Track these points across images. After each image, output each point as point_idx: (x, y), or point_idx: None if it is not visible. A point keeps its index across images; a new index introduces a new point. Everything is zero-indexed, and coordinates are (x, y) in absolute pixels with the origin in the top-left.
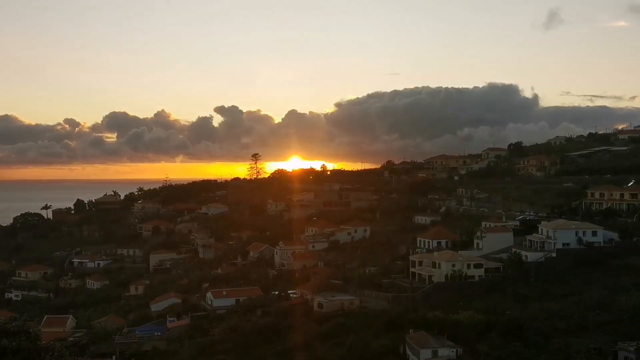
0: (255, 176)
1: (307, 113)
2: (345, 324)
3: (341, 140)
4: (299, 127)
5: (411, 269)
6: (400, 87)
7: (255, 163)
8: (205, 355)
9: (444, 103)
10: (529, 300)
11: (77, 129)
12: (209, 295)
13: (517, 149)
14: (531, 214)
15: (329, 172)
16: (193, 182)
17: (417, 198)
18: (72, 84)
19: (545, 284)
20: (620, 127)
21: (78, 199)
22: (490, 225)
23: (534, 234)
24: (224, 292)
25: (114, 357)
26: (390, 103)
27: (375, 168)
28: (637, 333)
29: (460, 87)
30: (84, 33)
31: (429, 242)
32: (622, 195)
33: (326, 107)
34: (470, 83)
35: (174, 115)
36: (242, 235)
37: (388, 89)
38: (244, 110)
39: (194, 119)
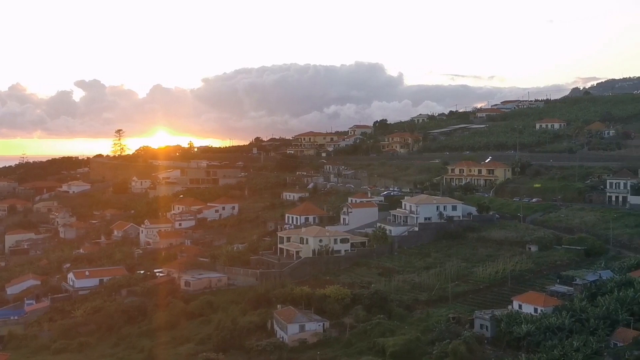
0: (119, 153)
1: (173, 88)
2: (213, 301)
3: (208, 117)
4: (164, 103)
5: (279, 245)
6: (268, 64)
7: (119, 139)
8: (67, 337)
9: (312, 80)
10: (392, 273)
11: None
12: (70, 276)
13: (382, 127)
14: (395, 189)
15: (196, 149)
16: (52, 159)
17: (285, 175)
18: None
19: (408, 257)
20: (479, 106)
21: None
22: (356, 200)
23: (397, 209)
24: (87, 273)
25: None
26: (258, 79)
27: (244, 145)
28: (492, 302)
29: (328, 65)
30: None
31: (297, 218)
32: (480, 171)
33: (193, 82)
34: (338, 61)
35: (30, 89)
36: (105, 213)
37: (256, 64)
38: (107, 85)
39: (52, 93)
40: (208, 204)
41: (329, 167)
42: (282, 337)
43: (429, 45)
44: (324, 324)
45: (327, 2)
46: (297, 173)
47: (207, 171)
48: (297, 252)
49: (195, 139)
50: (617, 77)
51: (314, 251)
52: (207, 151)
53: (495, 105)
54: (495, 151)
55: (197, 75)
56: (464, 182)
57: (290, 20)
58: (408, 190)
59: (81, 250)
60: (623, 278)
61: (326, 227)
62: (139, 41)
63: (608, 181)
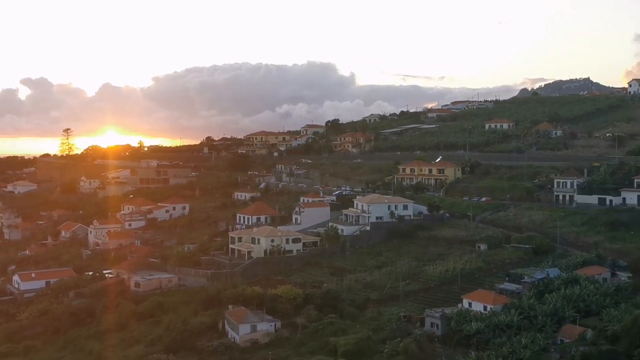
0: (67, 152)
1: (123, 87)
2: (163, 302)
3: (159, 115)
4: (114, 102)
5: (231, 246)
6: (220, 62)
7: (67, 138)
8: (13, 341)
9: (264, 79)
10: (344, 272)
11: None
12: (15, 278)
13: (335, 126)
14: (347, 189)
15: (146, 148)
16: None
17: (237, 174)
18: None
19: (360, 256)
20: (429, 106)
21: None
22: (308, 200)
23: (349, 208)
24: (33, 275)
25: None
26: (209, 78)
27: (195, 144)
28: (443, 300)
29: (280, 64)
30: None
31: (248, 218)
32: (430, 171)
33: (143, 81)
34: (290, 60)
35: None
36: (52, 214)
37: (207, 63)
38: (54, 83)
39: None
40: (158, 204)
41: (281, 167)
42: (234, 338)
43: (381, 46)
44: (275, 324)
45: (279, 1)
46: (249, 173)
47: (158, 171)
48: (249, 252)
49: (146, 138)
50: (564, 79)
51: (265, 251)
52: (157, 150)
53: (446, 105)
54: (445, 151)
55: (147, 73)
56: (415, 182)
57: (241, 19)
58: (360, 189)
59: (27, 252)
60: (570, 276)
61: (278, 227)
62: (88, 38)
63: (555, 180)
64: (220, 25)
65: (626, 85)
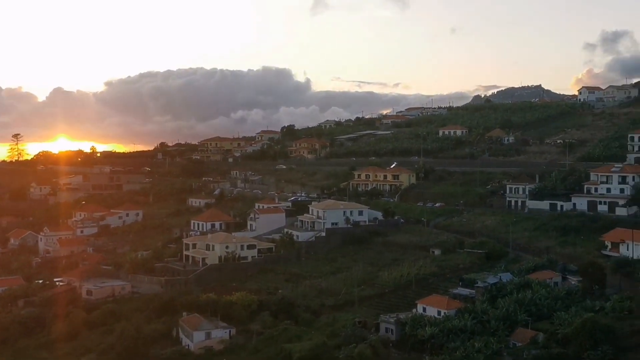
0: (16, 158)
1: (75, 91)
2: (116, 310)
3: (112, 121)
4: (65, 106)
5: (185, 252)
6: (174, 67)
7: (17, 144)
8: None
9: (219, 85)
10: (300, 278)
11: None
12: None
13: (290, 132)
14: (302, 195)
15: (99, 154)
16: None
17: (191, 180)
18: None
19: (315, 262)
20: (384, 113)
21: None
22: (263, 206)
23: (305, 215)
24: None
25: None
26: (163, 83)
27: (148, 150)
28: (397, 305)
29: (235, 70)
30: None
31: (203, 224)
32: (385, 177)
33: (96, 85)
34: (245, 66)
35: None
36: (1, 221)
37: (161, 68)
38: (3, 87)
39: None
40: (111, 211)
41: (236, 173)
42: (188, 345)
43: (336, 52)
44: (230, 330)
45: (234, 6)
46: (203, 179)
47: (111, 177)
48: (203, 259)
49: (98, 144)
50: (516, 86)
51: (220, 258)
52: (110, 156)
53: (400, 112)
54: (400, 157)
55: (100, 78)
56: (370, 188)
57: (196, 23)
58: (315, 195)
59: None
60: (522, 280)
61: (233, 234)
62: (39, 41)
63: (508, 186)
64: (175, 30)
65: (576, 93)
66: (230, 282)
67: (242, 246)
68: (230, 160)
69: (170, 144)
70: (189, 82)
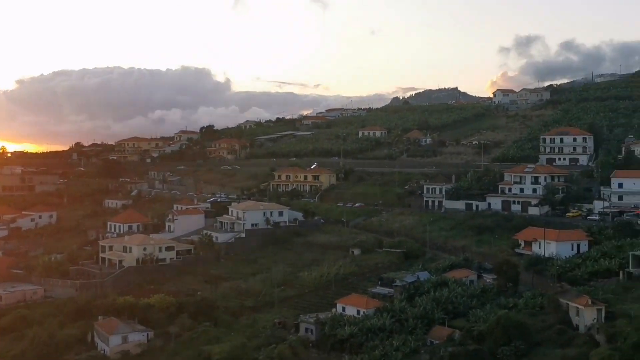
0: None
1: None
2: (27, 315)
3: (24, 120)
4: None
5: (101, 255)
6: (89, 66)
7: None
8: None
9: (136, 84)
10: (219, 280)
11: None
12: None
13: (209, 132)
14: (222, 195)
15: (9, 154)
16: None
17: (107, 181)
18: None
19: (235, 263)
20: (305, 113)
21: None
22: (182, 207)
23: (224, 216)
24: None
25: None
26: (78, 82)
27: (63, 150)
28: (317, 305)
29: (153, 69)
30: None
31: (120, 226)
32: (305, 177)
33: (6, 83)
34: (164, 65)
35: None
36: None
37: (76, 67)
38: None
39: None
40: (23, 212)
41: (154, 174)
42: (104, 350)
43: (257, 52)
44: (148, 334)
45: (153, 3)
46: (120, 179)
47: (22, 177)
48: (120, 261)
49: (9, 144)
50: (433, 88)
51: (138, 260)
52: (22, 156)
53: (321, 113)
54: (320, 157)
55: (10, 76)
56: (290, 188)
57: (112, 21)
58: (235, 196)
59: None
60: (439, 279)
61: (150, 235)
62: None
63: (425, 186)
64: (91, 28)
65: (491, 95)
66: (148, 285)
67: (160, 248)
68: (148, 160)
69: (86, 144)
70: (105, 81)
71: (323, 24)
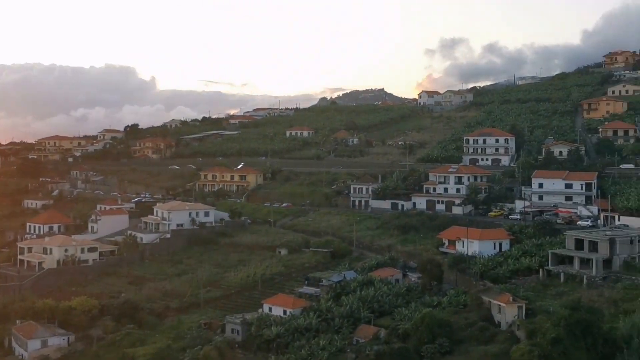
0: None
1: None
2: None
3: None
4: None
5: (20, 257)
6: (8, 62)
7: None
8: None
9: (58, 81)
10: (144, 281)
11: None
12: None
13: (134, 131)
14: (147, 195)
15: None
16: None
17: (27, 181)
18: None
19: (160, 264)
20: (232, 113)
21: None
22: (105, 207)
23: (149, 216)
24: None
25: None
26: None
27: None
28: (243, 306)
29: (76, 66)
30: None
31: (40, 227)
32: (232, 177)
33: None
34: (87, 62)
35: None
36: None
37: None
38: None
39: None
40: None
41: (77, 173)
42: (22, 355)
43: (183, 50)
44: (68, 337)
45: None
46: (41, 179)
47: None
48: (40, 263)
49: None
50: (360, 89)
51: (58, 261)
52: None
53: (248, 112)
54: (247, 157)
55: None
56: (216, 188)
57: (33, 16)
58: (160, 196)
59: None
60: (365, 278)
61: (72, 236)
62: None
63: (352, 186)
64: (9, 23)
65: (417, 97)
66: (69, 287)
67: (82, 249)
68: (70, 160)
69: (3, 143)
70: (25, 78)
71: (250, 22)
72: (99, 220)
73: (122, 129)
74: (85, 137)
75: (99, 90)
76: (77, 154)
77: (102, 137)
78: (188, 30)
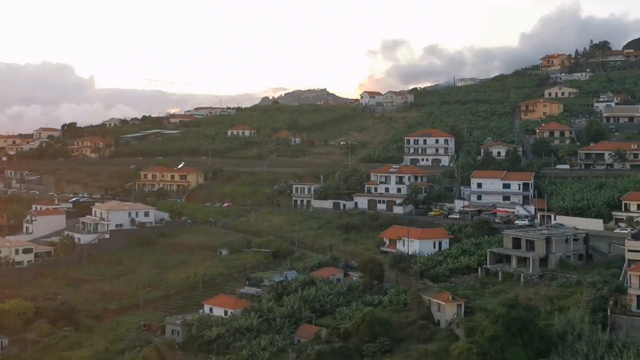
0: None
1: None
2: None
3: None
4: None
5: None
6: None
7: None
8: None
9: None
10: (81, 282)
11: None
12: None
13: (72, 130)
14: (85, 195)
15: None
16: None
17: None
18: None
19: (98, 265)
20: (172, 112)
21: None
22: (41, 208)
23: (87, 216)
24: None
25: None
26: None
27: None
28: (184, 307)
29: (11, 63)
30: None
31: None
32: (172, 177)
33: None
34: (23, 59)
35: None
36: None
37: None
38: None
39: None
40: None
41: (11, 172)
42: None
43: (123, 48)
44: (2, 341)
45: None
46: None
47: None
48: None
49: None
50: (303, 89)
51: None
52: None
53: (189, 111)
54: (188, 157)
55: None
56: (157, 188)
57: None
58: (99, 196)
59: None
60: (306, 277)
61: (6, 237)
62: None
63: (294, 186)
64: None
65: (359, 97)
66: (3, 289)
67: (16, 250)
68: (5, 158)
69: None
70: None
71: (191, 21)
72: (35, 220)
73: (59, 127)
74: (21, 136)
75: (35, 88)
76: (12, 152)
77: (38, 136)
78: (128, 27)
